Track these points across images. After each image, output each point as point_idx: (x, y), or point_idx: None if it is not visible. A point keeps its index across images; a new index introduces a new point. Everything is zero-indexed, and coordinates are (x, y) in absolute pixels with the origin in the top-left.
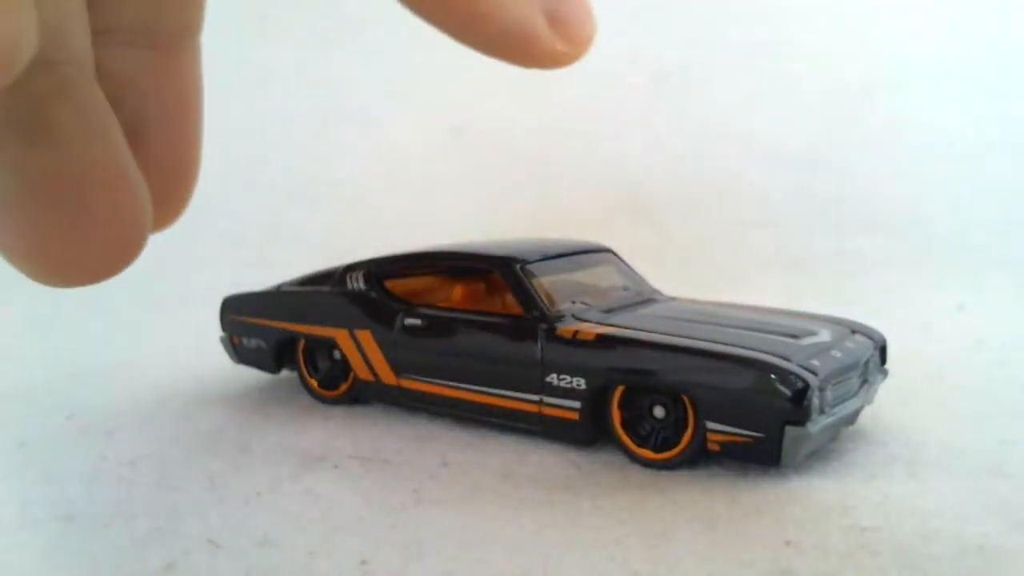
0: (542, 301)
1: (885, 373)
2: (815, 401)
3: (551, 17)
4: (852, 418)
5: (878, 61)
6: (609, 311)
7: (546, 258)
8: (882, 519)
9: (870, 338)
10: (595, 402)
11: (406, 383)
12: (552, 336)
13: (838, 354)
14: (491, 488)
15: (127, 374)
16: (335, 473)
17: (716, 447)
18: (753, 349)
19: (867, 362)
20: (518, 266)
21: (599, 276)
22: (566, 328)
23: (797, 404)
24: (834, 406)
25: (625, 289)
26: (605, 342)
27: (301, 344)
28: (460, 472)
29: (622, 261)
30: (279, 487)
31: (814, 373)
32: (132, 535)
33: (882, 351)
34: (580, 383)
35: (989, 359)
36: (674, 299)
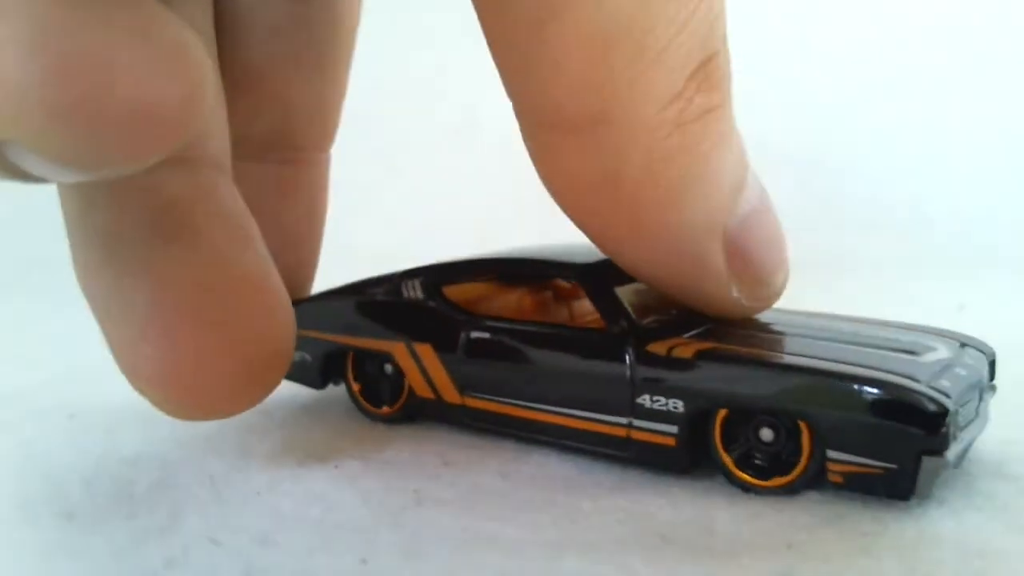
0: (630, 313)
1: (994, 389)
2: (951, 427)
3: (733, 248)
4: (972, 442)
5: (878, 61)
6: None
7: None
8: (882, 525)
9: (982, 352)
10: (694, 426)
11: (471, 402)
12: (643, 352)
13: (962, 372)
14: (491, 488)
15: None
16: (335, 473)
17: (838, 478)
18: (880, 370)
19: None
20: (601, 275)
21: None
22: (659, 344)
23: (935, 431)
24: (962, 430)
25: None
26: (707, 359)
27: (350, 357)
28: (460, 472)
29: None
30: (279, 487)
31: (947, 395)
32: (132, 533)
33: (991, 365)
34: (678, 405)
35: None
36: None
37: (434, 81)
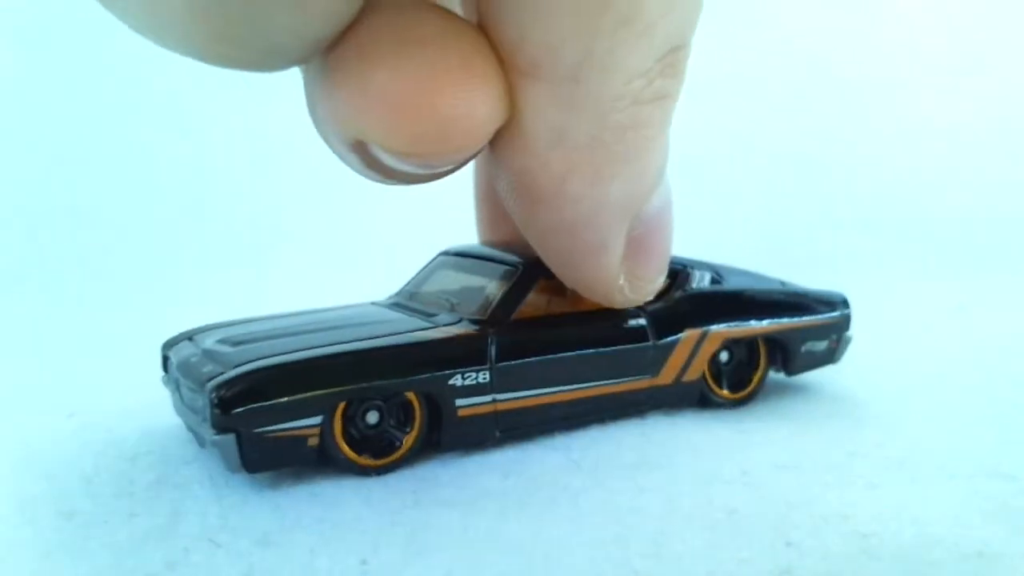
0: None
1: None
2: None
3: (634, 240)
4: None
5: (878, 61)
6: None
7: None
8: (882, 525)
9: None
10: None
11: None
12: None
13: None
14: (491, 488)
15: (127, 373)
16: (335, 473)
17: None
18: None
19: None
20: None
21: None
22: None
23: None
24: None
25: None
26: None
27: None
28: (460, 472)
29: None
30: (279, 486)
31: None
32: (132, 533)
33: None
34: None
35: (989, 359)
36: None
37: None
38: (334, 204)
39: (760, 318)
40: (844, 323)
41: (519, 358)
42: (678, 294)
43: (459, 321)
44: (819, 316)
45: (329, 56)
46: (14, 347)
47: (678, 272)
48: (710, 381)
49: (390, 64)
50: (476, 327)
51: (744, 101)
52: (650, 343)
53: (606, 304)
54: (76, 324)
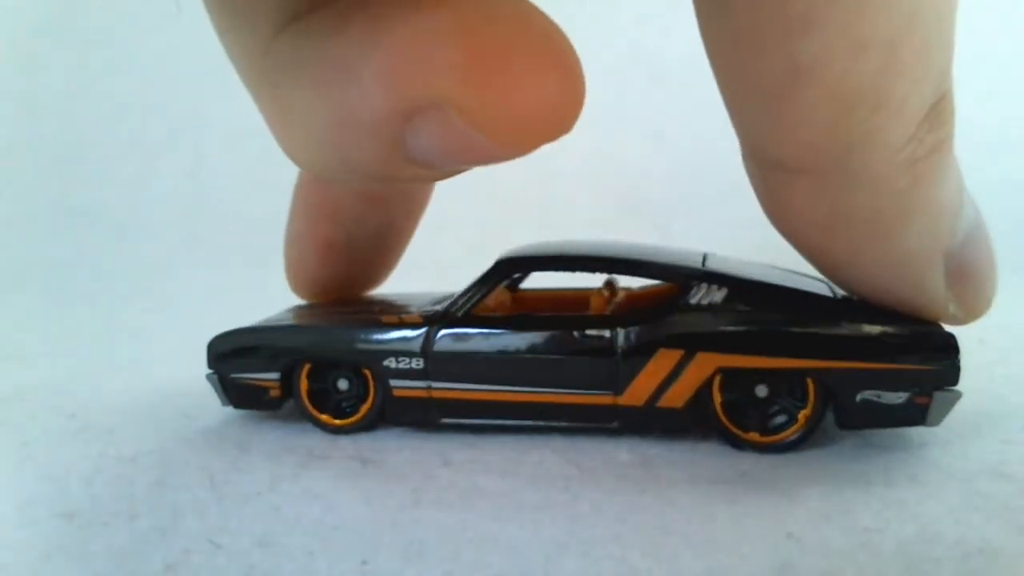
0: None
1: None
2: None
3: (955, 272)
4: None
5: None
6: None
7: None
8: (883, 521)
9: None
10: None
11: None
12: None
13: None
14: (491, 488)
15: (127, 374)
16: (335, 473)
17: None
18: None
19: None
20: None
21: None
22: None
23: None
24: None
25: None
26: None
27: None
28: (460, 472)
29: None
30: (279, 487)
31: None
32: (132, 534)
33: None
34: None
35: (989, 359)
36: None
37: None
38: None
39: (781, 351)
40: (937, 375)
41: (455, 350)
42: (670, 309)
43: (421, 312)
44: (883, 360)
45: (370, 9)
46: (14, 347)
47: (681, 284)
48: (721, 415)
49: (488, 8)
50: (423, 317)
51: None
52: (610, 357)
53: (952, 324)
54: (76, 324)
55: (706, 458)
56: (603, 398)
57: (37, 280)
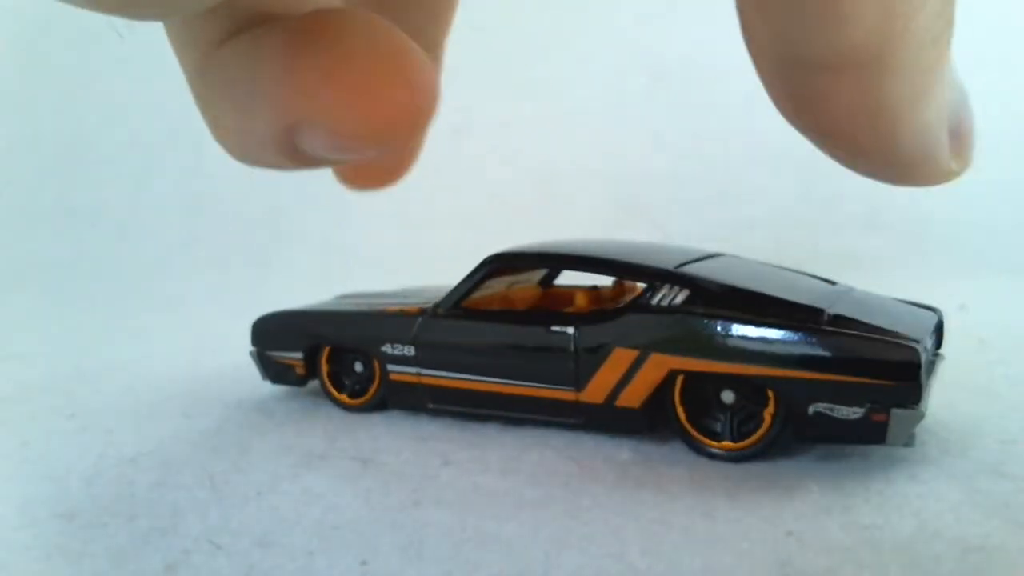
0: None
1: None
2: None
3: (953, 134)
4: None
5: None
6: None
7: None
8: (883, 518)
9: None
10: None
11: None
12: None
13: None
14: (491, 487)
15: (127, 374)
16: (335, 473)
17: None
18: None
19: None
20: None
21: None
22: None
23: None
24: None
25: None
26: None
27: None
28: (460, 472)
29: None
30: (279, 487)
31: None
32: (132, 534)
33: None
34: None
35: (989, 359)
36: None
37: None
38: (334, 203)
39: (732, 356)
40: (894, 392)
41: (438, 340)
42: (629, 308)
43: (419, 303)
44: (836, 372)
45: (262, 32)
46: (14, 347)
47: (647, 285)
48: (682, 418)
49: (363, 35)
50: (418, 308)
51: (744, 101)
52: (570, 353)
53: (930, 174)
54: (76, 324)
55: (705, 455)
56: (566, 393)
57: (37, 280)
